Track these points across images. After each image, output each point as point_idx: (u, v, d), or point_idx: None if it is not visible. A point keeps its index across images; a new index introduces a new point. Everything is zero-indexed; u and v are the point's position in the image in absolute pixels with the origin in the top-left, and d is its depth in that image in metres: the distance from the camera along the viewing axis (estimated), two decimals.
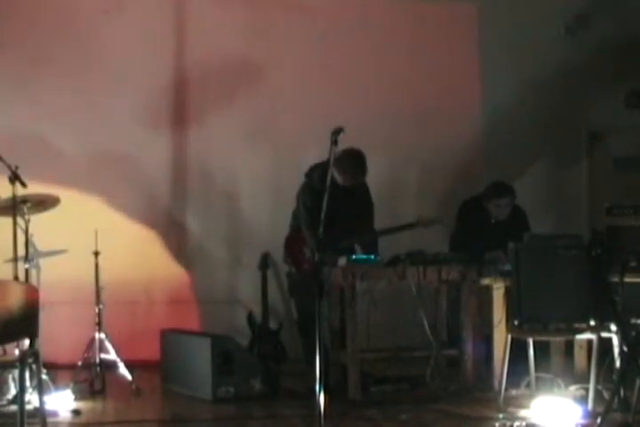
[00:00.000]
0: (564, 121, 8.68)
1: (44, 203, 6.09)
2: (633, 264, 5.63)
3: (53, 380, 6.00)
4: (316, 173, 6.37)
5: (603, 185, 8.61)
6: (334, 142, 4.80)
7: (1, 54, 7.75)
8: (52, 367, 6.15)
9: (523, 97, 8.55)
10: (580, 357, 6.16)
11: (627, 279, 5.51)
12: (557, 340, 6.13)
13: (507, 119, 8.57)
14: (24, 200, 5.88)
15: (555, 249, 5.63)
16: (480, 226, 6.95)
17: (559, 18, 8.68)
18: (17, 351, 5.19)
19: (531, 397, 5.72)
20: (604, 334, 5.54)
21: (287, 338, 7.15)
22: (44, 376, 5.51)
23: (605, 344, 5.55)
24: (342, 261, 6.19)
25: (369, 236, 6.65)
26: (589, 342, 5.72)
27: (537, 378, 5.87)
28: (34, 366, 4.90)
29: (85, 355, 6.51)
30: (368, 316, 6.34)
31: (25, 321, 4.71)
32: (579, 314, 5.56)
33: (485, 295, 6.23)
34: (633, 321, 5.45)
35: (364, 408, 5.90)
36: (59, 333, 6.97)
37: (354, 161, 6.39)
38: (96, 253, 6.61)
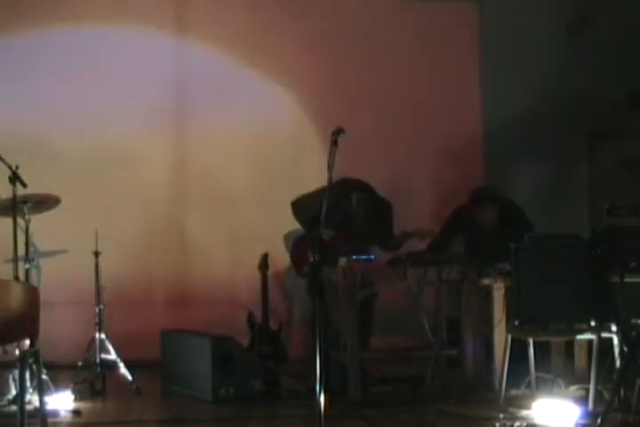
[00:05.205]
0: (564, 121, 8.66)
1: (44, 203, 6.09)
2: (633, 264, 5.62)
3: (53, 380, 5.99)
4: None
5: (603, 185, 8.60)
6: (334, 143, 4.80)
7: (2, 55, 7.76)
8: (52, 367, 6.13)
9: (523, 97, 8.54)
10: (580, 357, 6.16)
11: (627, 279, 5.50)
12: (557, 340, 6.13)
13: (507, 119, 8.56)
14: (24, 200, 5.88)
15: (555, 249, 5.63)
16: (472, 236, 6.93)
17: (559, 18, 8.68)
18: (17, 351, 5.18)
19: (531, 397, 5.71)
20: (604, 335, 5.53)
21: (287, 338, 7.14)
22: (44, 376, 5.50)
23: (605, 344, 5.55)
24: (342, 261, 6.19)
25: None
26: (590, 342, 5.71)
27: (537, 378, 5.85)
28: (34, 367, 4.89)
29: (86, 355, 6.51)
30: (368, 316, 6.34)
31: (25, 321, 4.69)
32: (579, 314, 5.55)
33: (485, 295, 6.23)
34: (633, 321, 5.44)
35: (364, 408, 5.90)
36: (59, 333, 6.98)
37: None
38: (96, 253, 6.61)
